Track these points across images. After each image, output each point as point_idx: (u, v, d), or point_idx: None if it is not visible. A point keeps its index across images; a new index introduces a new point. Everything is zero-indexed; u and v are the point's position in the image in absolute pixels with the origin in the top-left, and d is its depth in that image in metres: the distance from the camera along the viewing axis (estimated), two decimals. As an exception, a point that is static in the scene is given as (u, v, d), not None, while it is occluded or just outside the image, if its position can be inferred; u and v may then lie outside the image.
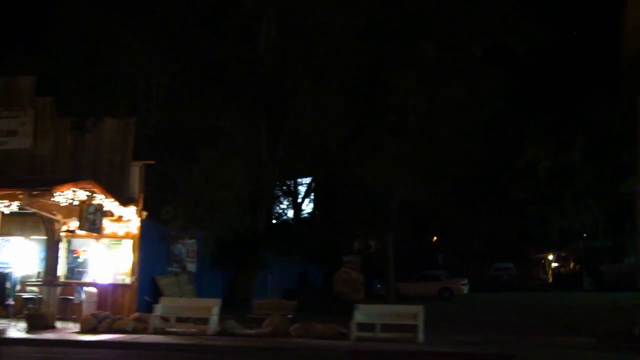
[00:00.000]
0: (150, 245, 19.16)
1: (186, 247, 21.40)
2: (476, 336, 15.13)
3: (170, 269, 20.49)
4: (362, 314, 14.78)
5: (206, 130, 19.83)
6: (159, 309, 15.59)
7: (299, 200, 35.04)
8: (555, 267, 52.78)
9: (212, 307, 15.40)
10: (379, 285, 35.17)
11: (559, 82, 44.78)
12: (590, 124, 41.22)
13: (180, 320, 15.78)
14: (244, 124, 20.62)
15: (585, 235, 45.44)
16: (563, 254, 54.58)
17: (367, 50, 22.65)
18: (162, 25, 19.41)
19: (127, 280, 18.42)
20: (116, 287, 18.47)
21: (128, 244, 18.51)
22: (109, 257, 18.67)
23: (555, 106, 43.42)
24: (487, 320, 21.14)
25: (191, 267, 21.70)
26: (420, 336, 14.21)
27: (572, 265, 50.44)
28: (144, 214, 18.57)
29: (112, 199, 17.10)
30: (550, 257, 56.96)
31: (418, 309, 14.63)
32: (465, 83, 27.22)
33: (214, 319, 15.24)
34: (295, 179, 47.96)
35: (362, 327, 14.68)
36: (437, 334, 15.06)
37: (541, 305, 28.36)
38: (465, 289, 34.11)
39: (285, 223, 34.18)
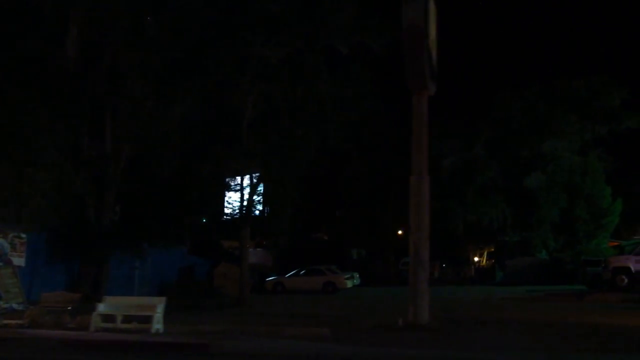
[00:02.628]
0: (-41, 240, 19.66)
1: (11, 241, 21.84)
2: (222, 326, 15.71)
3: (-13, 263, 20.96)
4: (107, 305, 15.31)
5: (19, 128, 20.25)
6: None
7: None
8: (477, 262, 53.44)
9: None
10: (267, 279, 35.79)
11: (462, 79, 45.37)
12: (492, 120, 41.85)
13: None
14: (63, 123, 21.05)
15: (496, 230, 45.92)
16: (492, 250, 55.31)
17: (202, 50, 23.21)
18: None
19: None
20: None
21: None
22: None
23: (459, 103, 44.09)
24: (297, 312, 21.88)
25: (18, 261, 22.12)
26: (156, 327, 14.74)
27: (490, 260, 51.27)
28: (-51, 209, 19.08)
29: None
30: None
31: (159, 301, 15.17)
32: (328, 81, 27.86)
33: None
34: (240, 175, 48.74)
35: (107, 318, 15.21)
36: (183, 325, 15.65)
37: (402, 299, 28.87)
38: (350, 283, 34.70)
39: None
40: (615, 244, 42.19)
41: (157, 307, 14.89)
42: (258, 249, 54.29)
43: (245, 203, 27.52)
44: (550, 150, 40.69)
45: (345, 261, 45.50)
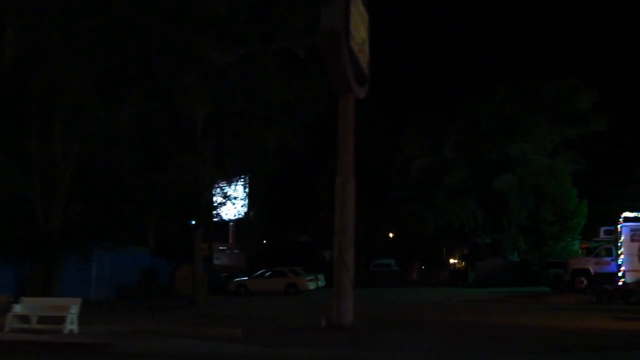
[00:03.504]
0: None
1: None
2: (145, 327, 15.91)
3: None
4: (23, 306, 15.45)
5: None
6: None
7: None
8: (453, 263, 53.49)
9: None
10: (231, 281, 35.91)
11: (433, 81, 45.55)
12: (461, 122, 41.99)
13: None
14: (6, 124, 21.23)
15: (467, 232, 45.91)
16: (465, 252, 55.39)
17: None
18: None
19: None
20: None
21: None
22: None
23: (429, 105, 44.31)
24: (240, 313, 22.12)
25: (-37, 262, 22.34)
26: (70, 327, 14.87)
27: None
28: None
29: None
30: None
31: (73, 302, 15.28)
32: (284, 82, 27.98)
33: None
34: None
35: (25, 319, 15.35)
36: (107, 325, 15.84)
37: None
38: (313, 285, 34.79)
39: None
40: (587, 245, 42.27)
41: (71, 308, 15.01)
42: (236, 251, 54.63)
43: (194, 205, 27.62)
44: (518, 153, 40.80)
45: (317, 263, 45.65)
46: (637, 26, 70.05)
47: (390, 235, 50.08)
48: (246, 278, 35.72)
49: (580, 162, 44.80)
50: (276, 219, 60.89)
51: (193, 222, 56.31)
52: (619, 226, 32.24)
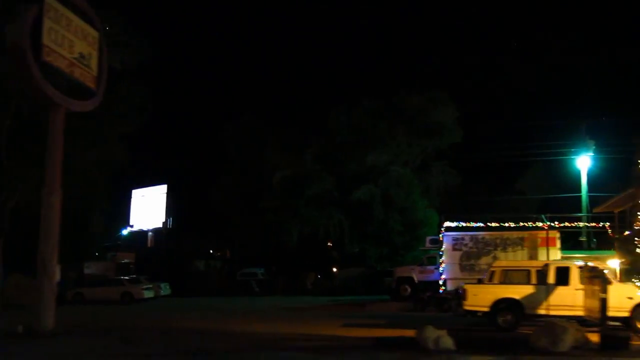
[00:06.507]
0: None
1: None
2: None
3: None
4: None
5: None
6: None
7: None
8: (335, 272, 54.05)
9: None
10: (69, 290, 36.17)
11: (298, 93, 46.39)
12: (321, 133, 42.77)
13: None
14: None
15: (334, 241, 46.50)
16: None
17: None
18: None
19: None
20: None
21: None
22: None
23: (293, 116, 45.11)
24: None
25: None
26: None
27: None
28: None
29: None
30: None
31: None
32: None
33: None
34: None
35: None
36: None
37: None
38: (149, 294, 35.17)
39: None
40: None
41: None
42: (125, 261, 54.60)
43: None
44: (377, 164, 41.64)
45: (188, 273, 46.23)
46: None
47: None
48: (83, 287, 35.99)
49: (451, 174, 45.80)
50: (195, 230, 61.11)
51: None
52: (441, 235, 33.16)
